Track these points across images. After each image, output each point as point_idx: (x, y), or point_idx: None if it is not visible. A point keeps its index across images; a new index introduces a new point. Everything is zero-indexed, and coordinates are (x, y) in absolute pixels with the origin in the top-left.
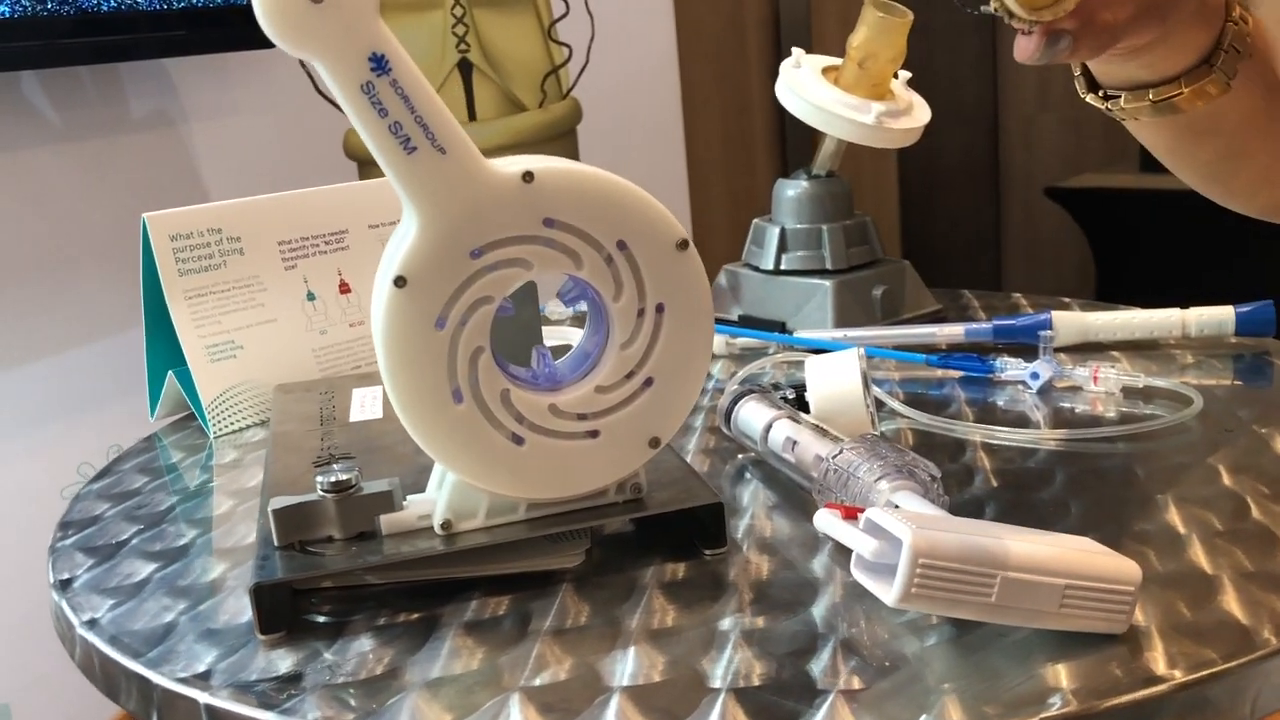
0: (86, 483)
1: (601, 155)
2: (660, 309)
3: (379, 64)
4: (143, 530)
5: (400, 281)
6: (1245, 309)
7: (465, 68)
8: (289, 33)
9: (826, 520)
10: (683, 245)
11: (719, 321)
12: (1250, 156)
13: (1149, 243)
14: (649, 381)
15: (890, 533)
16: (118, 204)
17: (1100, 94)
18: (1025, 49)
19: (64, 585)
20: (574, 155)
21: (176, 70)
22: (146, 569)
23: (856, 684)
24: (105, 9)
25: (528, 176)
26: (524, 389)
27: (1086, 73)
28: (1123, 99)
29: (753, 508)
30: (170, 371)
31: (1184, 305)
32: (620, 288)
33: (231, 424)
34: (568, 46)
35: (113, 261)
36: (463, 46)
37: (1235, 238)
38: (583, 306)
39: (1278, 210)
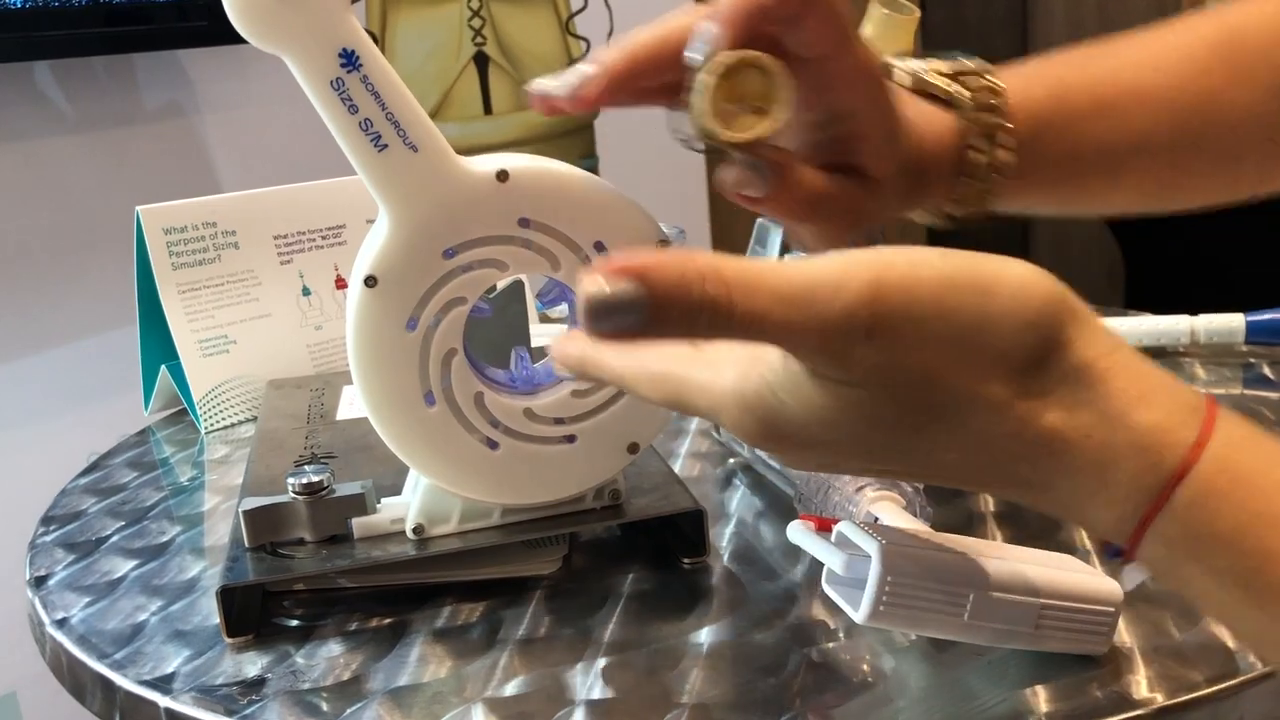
0: (74, 477)
1: (619, 150)
2: None
3: (349, 60)
4: (125, 526)
5: (371, 281)
6: (1256, 317)
7: (481, 61)
8: (257, 27)
9: (799, 532)
10: (663, 246)
11: None
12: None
13: (1180, 247)
14: None
15: (860, 547)
16: (130, 195)
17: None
18: (723, 178)
19: (39, 582)
20: (591, 150)
21: (190, 61)
22: (125, 566)
23: (826, 701)
24: (118, 0)
25: (502, 175)
26: (499, 392)
27: None
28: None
29: (738, 514)
30: (163, 366)
31: (1220, 313)
32: None
33: (223, 419)
34: (585, 40)
35: (125, 253)
36: (479, 39)
37: (1270, 244)
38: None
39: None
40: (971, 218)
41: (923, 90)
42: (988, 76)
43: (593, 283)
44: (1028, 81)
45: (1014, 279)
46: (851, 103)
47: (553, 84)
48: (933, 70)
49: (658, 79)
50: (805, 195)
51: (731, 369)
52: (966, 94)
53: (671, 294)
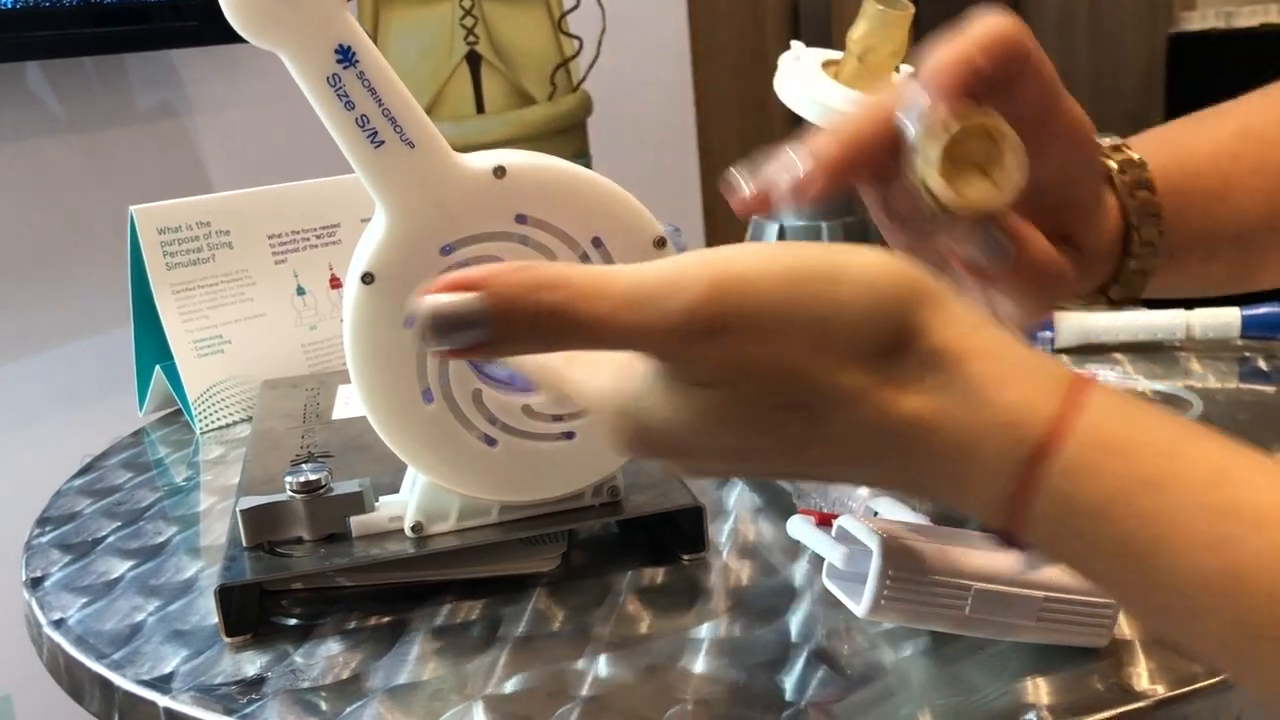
0: (69, 478)
1: (611, 149)
2: None
3: (346, 56)
4: (121, 527)
5: (368, 278)
6: (1252, 311)
7: (473, 59)
8: (254, 24)
9: (799, 527)
10: (660, 243)
11: None
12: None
13: None
14: None
15: (861, 541)
16: (122, 196)
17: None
18: (957, 251)
19: (35, 583)
20: (583, 149)
21: (182, 61)
22: (121, 567)
23: (827, 696)
24: (109, 0)
25: (499, 171)
26: (497, 389)
27: None
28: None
29: (737, 510)
30: (157, 366)
31: (1215, 307)
32: None
33: (218, 419)
34: (578, 39)
35: (116, 254)
36: (471, 38)
37: None
38: None
39: None
40: (1126, 300)
41: None
42: (1129, 151)
43: (432, 298)
44: (1157, 157)
45: (862, 267)
46: (1066, 166)
47: (763, 183)
48: None
49: (870, 162)
50: (1038, 267)
51: (608, 373)
52: (1120, 170)
53: (515, 303)
